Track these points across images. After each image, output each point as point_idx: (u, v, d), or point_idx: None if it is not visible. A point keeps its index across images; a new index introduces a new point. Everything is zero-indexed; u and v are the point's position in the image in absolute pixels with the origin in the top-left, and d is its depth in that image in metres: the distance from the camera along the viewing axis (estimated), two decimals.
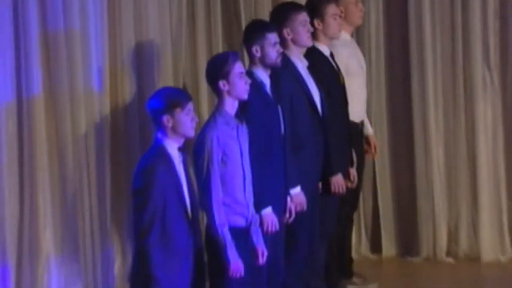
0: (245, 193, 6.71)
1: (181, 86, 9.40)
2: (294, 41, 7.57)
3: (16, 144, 7.41)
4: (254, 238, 6.71)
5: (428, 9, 9.61)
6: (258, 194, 6.87)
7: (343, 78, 8.01)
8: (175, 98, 6.13)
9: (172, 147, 6.11)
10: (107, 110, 7.91)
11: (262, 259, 6.70)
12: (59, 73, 7.57)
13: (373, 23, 9.75)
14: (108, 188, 7.90)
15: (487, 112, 9.56)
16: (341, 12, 8.13)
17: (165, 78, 9.04)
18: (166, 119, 6.05)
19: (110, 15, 8.12)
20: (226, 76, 6.62)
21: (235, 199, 6.64)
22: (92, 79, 7.76)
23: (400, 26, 9.78)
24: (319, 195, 7.75)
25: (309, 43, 7.71)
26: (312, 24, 7.64)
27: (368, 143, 8.88)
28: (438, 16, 9.63)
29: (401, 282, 8.96)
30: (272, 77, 7.31)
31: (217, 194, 6.52)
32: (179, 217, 6.07)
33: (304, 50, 7.83)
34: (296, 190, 7.38)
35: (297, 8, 7.73)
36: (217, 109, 6.66)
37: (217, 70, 6.69)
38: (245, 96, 6.70)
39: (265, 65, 7.21)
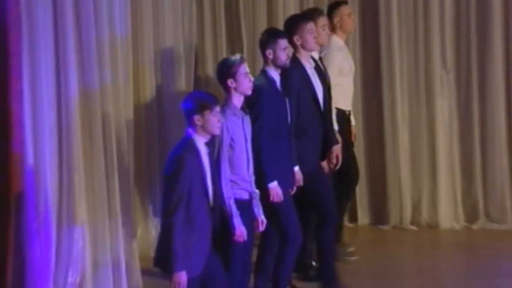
0: (248, 172, 6.77)
1: (192, 85, 9.43)
2: (303, 46, 7.58)
3: (57, 133, 7.33)
4: (256, 210, 6.75)
5: (396, 18, 9.64)
6: (266, 170, 6.96)
7: (329, 78, 7.88)
8: (205, 101, 6.11)
9: (200, 141, 6.09)
10: (130, 106, 7.83)
11: (262, 227, 6.77)
12: (91, 74, 7.48)
13: None
14: (132, 171, 7.84)
15: (444, 106, 9.62)
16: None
17: (178, 79, 9.15)
18: (197, 119, 6.06)
19: (133, 26, 8.13)
20: (233, 76, 6.68)
21: (240, 177, 6.71)
22: (118, 80, 7.65)
23: (372, 33, 9.81)
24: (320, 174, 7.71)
25: (315, 48, 7.72)
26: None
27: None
28: (404, 25, 9.65)
29: (374, 246, 8.99)
30: (282, 75, 7.32)
31: (226, 172, 6.57)
32: (201, 202, 6.02)
33: (309, 54, 7.73)
34: (295, 169, 7.39)
35: (305, 18, 7.74)
36: (226, 103, 6.71)
37: (226, 70, 6.73)
38: (249, 92, 6.75)
39: (276, 65, 7.25)
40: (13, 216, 6.90)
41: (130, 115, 7.91)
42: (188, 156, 6.00)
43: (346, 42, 8.68)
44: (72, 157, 7.44)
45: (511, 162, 9.57)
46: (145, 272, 7.89)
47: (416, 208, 9.67)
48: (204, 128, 6.07)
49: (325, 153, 7.80)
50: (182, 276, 5.96)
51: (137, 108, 8.33)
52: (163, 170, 6.19)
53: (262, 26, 9.72)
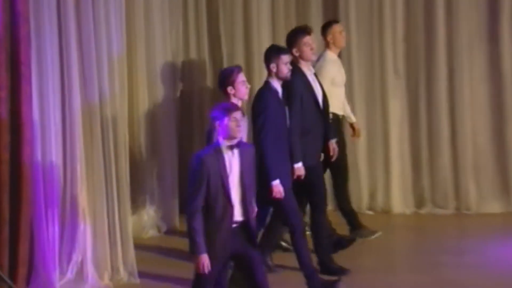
0: None
1: (178, 93, 9.56)
2: (301, 57, 7.52)
3: (61, 131, 7.36)
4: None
5: (355, 35, 9.54)
6: (269, 170, 6.94)
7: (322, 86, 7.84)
8: (224, 109, 5.90)
9: (224, 145, 5.84)
10: (125, 110, 7.78)
11: None
12: (91, 82, 7.48)
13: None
14: (127, 163, 7.73)
15: (396, 107, 9.58)
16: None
17: (167, 87, 9.20)
18: (218, 124, 5.85)
19: (128, 43, 8.07)
20: (232, 84, 6.62)
21: None
22: (115, 88, 7.60)
23: None
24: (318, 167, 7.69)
25: (312, 58, 7.68)
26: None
27: (353, 128, 8.79)
28: (361, 40, 9.59)
29: (336, 229, 8.70)
30: (283, 86, 7.29)
31: None
32: (219, 198, 5.79)
33: (308, 63, 7.69)
34: (298, 165, 7.34)
35: (303, 32, 7.67)
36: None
37: (225, 79, 6.68)
38: (245, 97, 6.71)
39: (279, 77, 7.23)
40: (24, 203, 6.89)
41: (125, 118, 7.87)
42: (208, 156, 5.81)
43: (339, 56, 8.62)
44: (75, 152, 7.47)
45: (453, 156, 9.51)
46: (138, 251, 7.88)
47: (372, 195, 9.67)
48: (226, 132, 5.84)
49: (324, 147, 7.82)
50: (203, 259, 5.79)
51: (131, 112, 8.32)
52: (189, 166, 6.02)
53: (239, 41, 9.78)
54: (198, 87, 9.95)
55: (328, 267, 7.58)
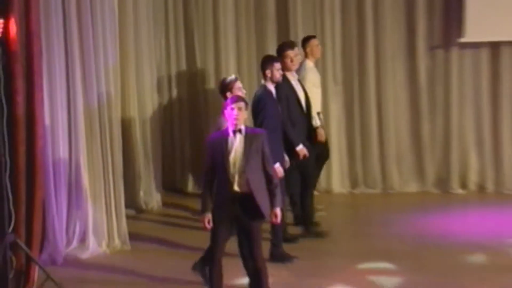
0: None
1: (162, 96, 9.58)
2: (284, 68, 7.41)
3: (67, 129, 7.44)
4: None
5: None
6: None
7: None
8: (226, 102, 5.78)
9: (230, 129, 5.70)
10: (118, 110, 7.80)
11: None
12: (91, 89, 7.52)
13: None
14: (121, 152, 7.72)
15: (335, 109, 9.60)
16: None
17: (152, 92, 9.27)
18: (223, 112, 5.79)
19: (120, 56, 8.11)
20: (230, 90, 6.49)
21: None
22: (111, 95, 7.62)
23: None
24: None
25: (293, 68, 7.59)
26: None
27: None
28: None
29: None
30: (276, 88, 7.26)
31: None
32: (220, 171, 5.66)
33: (292, 71, 7.66)
34: (300, 147, 7.35)
35: (284, 48, 7.64)
36: None
37: (225, 86, 6.53)
38: None
39: (272, 81, 7.17)
40: (38, 186, 6.85)
41: (119, 118, 7.89)
42: (214, 139, 5.73)
43: (316, 65, 8.53)
44: (78, 145, 7.49)
45: (380, 147, 9.51)
46: (129, 224, 7.92)
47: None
48: (227, 119, 5.74)
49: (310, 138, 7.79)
50: (205, 218, 5.70)
51: (124, 113, 8.36)
52: None
53: (211, 54, 9.78)
54: (178, 92, 9.97)
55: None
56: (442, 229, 7.98)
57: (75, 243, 7.51)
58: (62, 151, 7.40)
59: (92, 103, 7.57)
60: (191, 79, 9.91)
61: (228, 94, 6.44)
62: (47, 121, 7.17)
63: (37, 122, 6.84)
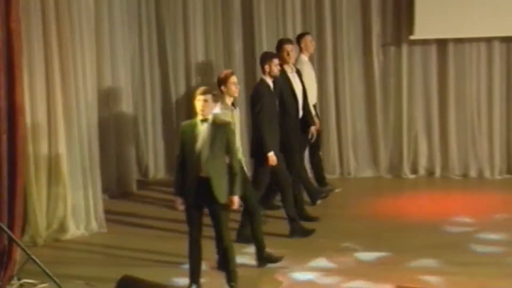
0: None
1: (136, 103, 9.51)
2: (282, 61, 7.37)
3: (46, 120, 7.32)
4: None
5: (265, 47, 9.31)
6: (266, 143, 6.68)
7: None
8: (197, 92, 5.75)
9: (198, 119, 5.69)
10: (95, 113, 7.74)
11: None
12: (69, 84, 7.45)
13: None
14: (97, 149, 7.72)
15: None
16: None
17: (127, 99, 9.13)
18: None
19: (97, 65, 8.07)
20: (225, 84, 6.38)
21: None
22: (87, 91, 7.64)
23: None
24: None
25: (290, 61, 7.55)
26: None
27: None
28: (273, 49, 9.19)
29: None
30: (274, 82, 7.19)
31: None
32: (190, 159, 5.67)
33: (289, 64, 7.62)
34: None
35: (282, 43, 7.67)
36: (221, 101, 6.33)
37: (220, 80, 6.42)
38: (235, 95, 6.41)
39: (271, 76, 7.12)
40: (19, 173, 6.68)
41: (95, 107, 7.84)
42: (185, 127, 5.75)
43: (310, 59, 8.52)
44: (57, 133, 7.40)
45: (338, 136, 9.50)
46: (106, 210, 7.91)
47: None
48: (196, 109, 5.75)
49: (305, 130, 7.78)
50: (178, 200, 5.75)
51: (100, 103, 8.21)
52: None
53: (181, 51, 9.69)
54: (151, 85, 9.86)
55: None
56: (395, 211, 8.05)
57: (55, 225, 7.48)
58: (42, 140, 7.36)
59: (70, 96, 7.53)
60: (162, 75, 9.85)
61: (223, 88, 6.37)
62: (27, 112, 7.12)
63: (18, 113, 6.74)
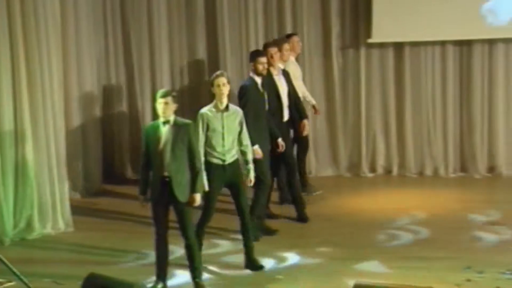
0: (224, 148, 6.26)
1: (101, 107, 9.45)
2: (268, 63, 7.29)
3: (13, 125, 7.27)
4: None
5: (228, 48, 9.48)
6: (252, 139, 6.53)
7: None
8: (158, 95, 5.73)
9: (161, 121, 5.71)
10: (62, 117, 7.67)
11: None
12: (36, 85, 7.39)
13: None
14: (64, 147, 7.68)
15: None
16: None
17: (92, 103, 9.14)
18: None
19: (64, 71, 8.00)
20: (212, 85, 6.27)
21: (215, 150, 6.24)
22: (54, 91, 7.55)
23: None
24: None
25: (273, 63, 7.52)
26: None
27: (314, 108, 8.67)
28: (234, 50, 9.44)
29: None
30: (262, 80, 7.16)
31: (200, 146, 6.13)
32: (153, 159, 5.71)
33: (275, 65, 7.60)
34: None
35: (266, 46, 7.68)
36: (213, 101, 6.30)
37: (210, 81, 6.32)
38: (221, 97, 6.25)
39: (256, 73, 7.10)
40: None
41: (62, 107, 7.80)
42: (148, 128, 5.80)
43: (297, 59, 8.55)
44: (24, 135, 7.40)
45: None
46: (73, 210, 7.88)
47: None
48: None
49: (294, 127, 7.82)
50: (142, 198, 5.80)
51: (66, 102, 8.20)
52: None
53: (146, 52, 9.63)
54: (116, 86, 9.84)
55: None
56: (354, 208, 8.14)
57: (22, 225, 7.43)
58: (9, 142, 7.30)
59: (37, 97, 7.49)
60: (128, 75, 9.82)
61: (213, 89, 6.30)
62: None
63: None
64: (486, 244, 6.88)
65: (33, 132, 7.46)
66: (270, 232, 7.28)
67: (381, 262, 6.44)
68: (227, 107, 6.33)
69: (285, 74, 7.87)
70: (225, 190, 6.47)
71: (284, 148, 7.40)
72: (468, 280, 5.95)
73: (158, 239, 5.85)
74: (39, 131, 7.50)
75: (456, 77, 9.40)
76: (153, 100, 5.89)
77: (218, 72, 6.40)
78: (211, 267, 6.42)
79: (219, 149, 6.28)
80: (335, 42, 9.51)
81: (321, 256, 6.67)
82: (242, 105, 6.90)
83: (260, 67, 7.15)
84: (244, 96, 6.98)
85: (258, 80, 7.19)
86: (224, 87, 6.25)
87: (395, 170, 9.55)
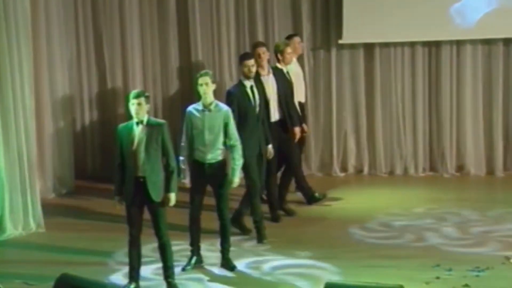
0: (205, 146, 6.22)
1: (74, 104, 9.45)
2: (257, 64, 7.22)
3: None
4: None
5: (200, 50, 9.50)
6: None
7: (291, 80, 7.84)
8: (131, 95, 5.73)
9: (134, 122, 5.70)
10: (33, 118, 7.64)
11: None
12: (6, 87, 7.36)
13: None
14: (35, 150, 7.66)
15: None
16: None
17: (64, 105, 9.07)
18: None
19: (33, 56, 7.90)
20: (196, 85, 6.22)
21: (198, 148, 6.23)
22: (24, 92, 7.50)
23: None
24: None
25: (262, 64, 7.43)
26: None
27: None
28: (206, 52, 9.45)
29: None
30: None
31: (181, 145, 6.24)
32: (127, 160, 5.68)
33: (263, 67, 7.55)
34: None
35: (254, 46, 7.71)
36: (200, 101, 6.29)
37: (196, 79, 6.25)
38: (206, 98, 6.21)
39: (246, 77, 7.03)
40: None
41: (33, 108, 7.76)
42: (122, 129, 5.76)
43: (297, 60, 8.42)
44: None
45: None
46: (44, 210, 7.81)
47: None
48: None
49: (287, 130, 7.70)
50: (116, 199, 5.79)
51: (37, 104, 8.14)
52: None
53: (118, 53, 9.59)
54: (88, 87, 9.80)
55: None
56: (325, 207, 8.17)
57: None
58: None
59: (7, 98, 7.42)
60: (100, 76, 9.77)
61: (197, 87, 6.25)
62: None
63: None
64: (454, 243, 6.93)
65: (4, 135, 7.39)
66: (245, 230, 7.27)
67: (352, 261, 6.47)
68: (210, 106, 6.28)
69: (283, 75, 7.77)
70: (232, 191, 6.47)
71: (271, 150, 7.28)
72: (437, 278, 6.01)
73: (132, 240, 5.83)
74: (10, 134, 7.42)
75: (425, 77, 9.47)
76: (126, 101, 5.89)
77: (202, 71, 6.37)
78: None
79: (200, 147, 6.26)
80: (306, 43, 9.49)
81: (292, 256, 6.67)
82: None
83: (246, 69, 7.06)
84: (231, 104, 6.84)
85: (248, 83, 7.10)
86: (206, 86, 6.22)
87: (366, 169, 9.60)
